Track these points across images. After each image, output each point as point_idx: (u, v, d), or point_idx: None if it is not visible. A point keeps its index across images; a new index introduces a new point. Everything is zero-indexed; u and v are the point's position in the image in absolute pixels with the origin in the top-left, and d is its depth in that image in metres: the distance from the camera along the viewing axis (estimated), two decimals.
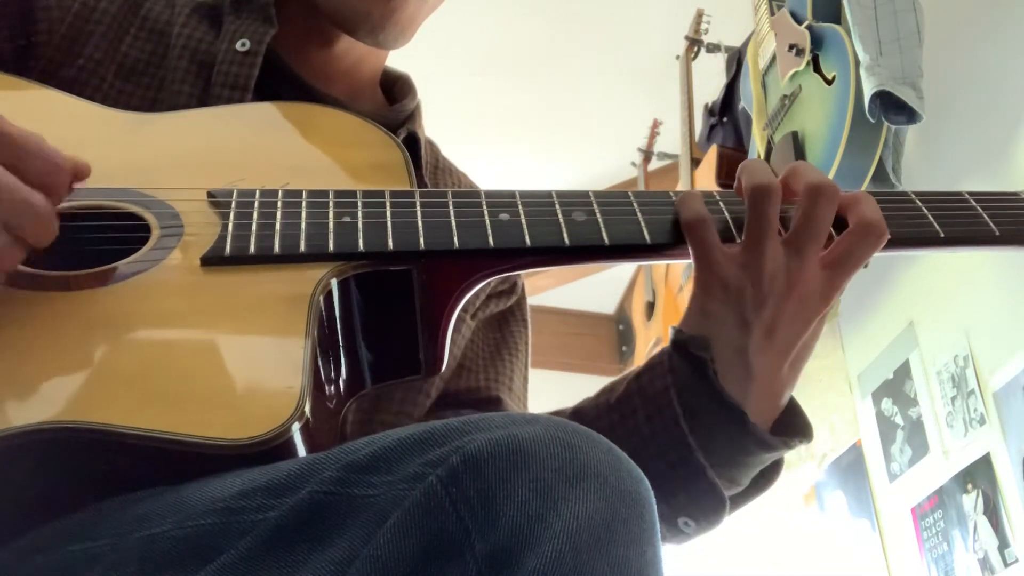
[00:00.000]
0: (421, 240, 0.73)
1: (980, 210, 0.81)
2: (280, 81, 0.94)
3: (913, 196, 0.82)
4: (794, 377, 0.79)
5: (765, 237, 0.75)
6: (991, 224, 0.80)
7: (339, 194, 0.76)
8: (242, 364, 0.64)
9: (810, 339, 0.79)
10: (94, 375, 0.62)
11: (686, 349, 0.77)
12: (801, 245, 0.75)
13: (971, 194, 0.83)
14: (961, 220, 0.80)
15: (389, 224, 0.74)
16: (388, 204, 0.75)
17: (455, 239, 0.73)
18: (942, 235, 0.79)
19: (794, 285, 0.75)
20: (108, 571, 0.55)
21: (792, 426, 0.80)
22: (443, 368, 0.77)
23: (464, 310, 0.96)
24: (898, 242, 0.77)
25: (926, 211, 0.80)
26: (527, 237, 0.74)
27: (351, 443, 0.54)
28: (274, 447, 0.58)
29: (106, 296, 0.68)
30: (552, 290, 4.15)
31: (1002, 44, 2.13)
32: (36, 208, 0.64)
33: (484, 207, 0.76)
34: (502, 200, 0.77)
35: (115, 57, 0.91)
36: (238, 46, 0.92)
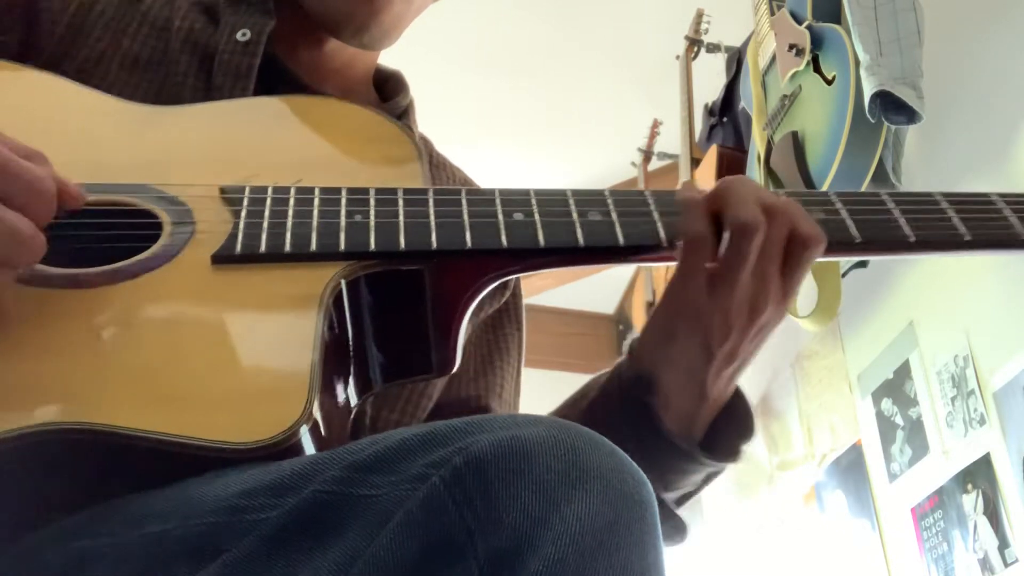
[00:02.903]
0: (433, 240, 0.72)
1: (952, 213, 0.79)
2: (276, 78, 0.93)
3: (886, 197, 0.80)
4: (740, 375, 0.81)
5: (741, 271, 0.75)
6: (962, 228, 0.78)
7: (352, 192, 0.75)
8: (250, 365, 0.64)
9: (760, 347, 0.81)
10: (101, 375, 0.62)
11: (630, 391, 0.79)
12: (763, 269, 0.75)
13: (944, 195, 0.80)
14: (933, 223, 0.78)
15: (401, 223, 0.73)
16: (401, 203, 0.75)
17: (468, 239, 0.73)
18: (912, 239, 0.77)
19: (756, 315, 0.76)
20: (111, 569, 0.55)
21: (734, 420, 0.81)
22: (455, 368, 0.77)
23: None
24: (871, 248, 0.77)
25: (898, 214, 0.78)
26: (541, 237, 0.73)
27: (354, 443, 0.55)
28: (281, 451, 0.58)
29: (116, 294, 0.67)
30: (552, 290, 4.14)
31: (1002, 44, 2.13)
32: (18, 235, 0.61)
33: (498, 206, 0.75)
34: (517, 199, 0.76)
35: (117, 51, 0.91)
36: (239, 36, 0.92)
